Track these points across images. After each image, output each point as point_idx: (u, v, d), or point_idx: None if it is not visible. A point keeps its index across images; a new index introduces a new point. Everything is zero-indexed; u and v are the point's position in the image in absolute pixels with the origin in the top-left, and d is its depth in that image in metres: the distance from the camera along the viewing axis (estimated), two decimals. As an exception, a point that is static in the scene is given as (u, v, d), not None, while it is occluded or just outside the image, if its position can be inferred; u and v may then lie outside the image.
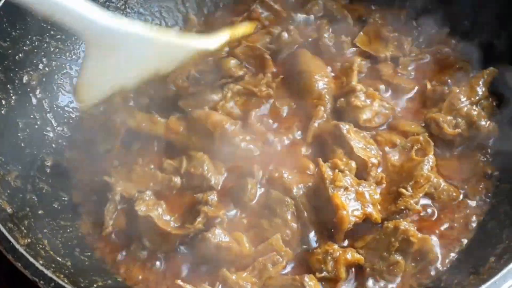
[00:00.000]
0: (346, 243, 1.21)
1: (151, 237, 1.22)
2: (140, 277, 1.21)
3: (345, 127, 1.29)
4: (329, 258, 1.16)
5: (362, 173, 1.26)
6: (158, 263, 1.22)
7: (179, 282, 1.14)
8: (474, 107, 1.34)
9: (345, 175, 1.21)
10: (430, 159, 1.26)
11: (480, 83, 1.37)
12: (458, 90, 1.35)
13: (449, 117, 1.33)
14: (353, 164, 1.25)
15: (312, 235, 1.22)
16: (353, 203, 1.19)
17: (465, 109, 1.33)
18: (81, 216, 1.31)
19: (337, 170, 1.21)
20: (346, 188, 1.20)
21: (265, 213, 1.22)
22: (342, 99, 1.37)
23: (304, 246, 1.21)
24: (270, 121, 1.39)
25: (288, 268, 1.20)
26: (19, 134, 1.34)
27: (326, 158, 1.27)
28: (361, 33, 1.53)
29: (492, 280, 1.03)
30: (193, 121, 1.33)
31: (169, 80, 1.42)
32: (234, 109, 1.38)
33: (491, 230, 1.22)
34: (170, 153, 1.34)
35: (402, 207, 1.21)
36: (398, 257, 1.17)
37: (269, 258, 1.16)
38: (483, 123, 1.31)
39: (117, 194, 1.26)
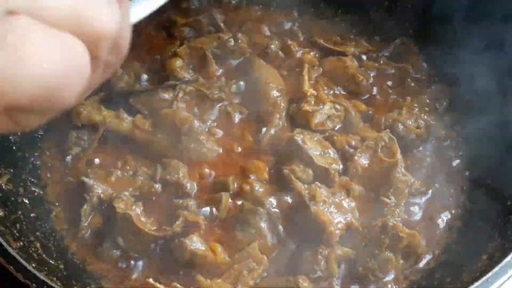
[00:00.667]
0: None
1: (126, 236, 1.21)
2: (110, 275, 1.21)
3: (299, 137, 1.28)
4: (320, 257, 1.16)
5: (326, 181, 1.26)
6: (131, 262, 1.21)
7: (150, 280, 1.14)
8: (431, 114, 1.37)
9: (320, 187, 1.21)
10: (400, 159, 1.27)
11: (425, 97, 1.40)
12: (410, 100, 1.39)
13: (409, 121, 1.35)
14: (310, 171, 1.25)
15: (290, 244, 1.22)
16: (335, 215, 1.19)
17: (422, 114, 1.36)
18: (56, 215, 1.30)
19: (313, 185, 1.21)
20: (325, 201, 1.20)
21: (239, 224, 1.23)
22: (294, 105, 1.38)
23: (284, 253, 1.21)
24: (220, 127, 1.39)
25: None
26: (10, 137, 1.33)
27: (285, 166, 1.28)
28: None
29: (485, 278, 1.03)
30: (160, 119, 1.34)
31: (116, 77, 1.42)
32: (185, 111, 1.37)
33: (483, 228, 1.23)
34: (145, 158, 1.34)
35: (390, 223, 1.20)
36: (389, 254, 1.17)
37: (244, 264, 1.17)
38: (438, 130, 1.35)
39: (95, 196, 1.25)
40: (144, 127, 1.34)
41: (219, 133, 1.37)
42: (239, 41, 1.48)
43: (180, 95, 1.37)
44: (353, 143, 1.32)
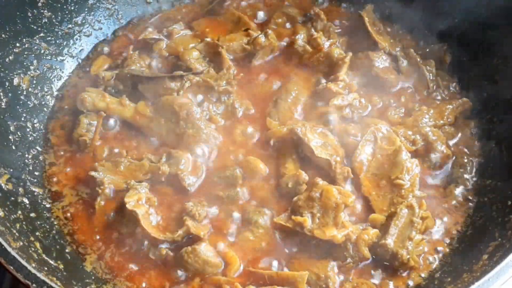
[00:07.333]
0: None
1: (132, 229, 1.24)
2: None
3: (299, 129, 1.30)
4: (348, 243, 1.20)
5: (328, 172, 1.28)
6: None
7: None
8: (435, 129, 1.37)
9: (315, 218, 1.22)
10: (401, 144, 1.30)
11: (448, 108, 1.41)
12: (425, 110, 1.39)
13: (409, 132, 1.36)
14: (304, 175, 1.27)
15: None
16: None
17: (426, 129, 1.36)
18: (74, 215, 1.31)
19: (308, 217, 1.22)
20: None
21: (248, 225, 1.25)
22: (324, 83, 1.42)
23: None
24: (223, 118, 1.42)
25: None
26: (10, 137, 1.33)
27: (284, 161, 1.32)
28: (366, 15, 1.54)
29: (485, 278, 1.03)
30: (161, 105, 1.37)
31: (131, 60, 1.47)
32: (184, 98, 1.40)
33: (483, 228, 1.23)
34: (148, 143, 1.38)
35: (410, 196, 1.25)
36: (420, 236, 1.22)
37: None
38: (439, 147, 1.35)
39: (107, 188, 1.28)
40: (146, 113, 1.38)
41: (221, 121, 1.40)
42: (269, 36, 1.50)
43: (187, 85, 1.40)
44: (352, 131, 1.35)
